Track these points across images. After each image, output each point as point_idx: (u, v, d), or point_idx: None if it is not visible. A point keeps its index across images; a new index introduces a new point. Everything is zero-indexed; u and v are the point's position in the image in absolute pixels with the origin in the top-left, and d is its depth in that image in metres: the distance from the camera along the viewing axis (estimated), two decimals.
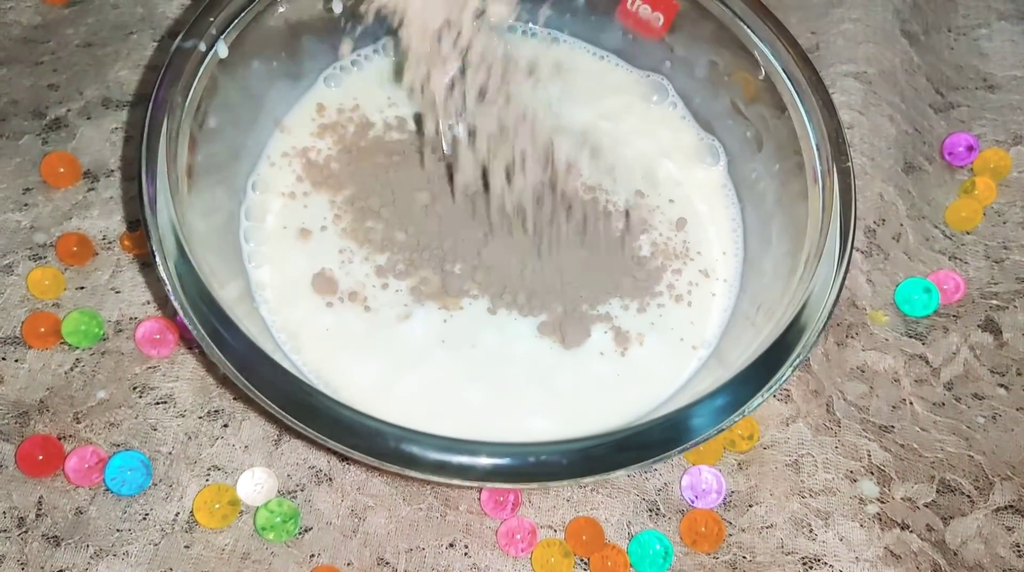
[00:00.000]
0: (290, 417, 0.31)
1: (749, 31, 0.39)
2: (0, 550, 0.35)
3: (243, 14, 0.37)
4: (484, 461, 0.30)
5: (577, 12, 0.45)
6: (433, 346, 0.37)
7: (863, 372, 0.42)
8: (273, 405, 0.31)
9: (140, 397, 0.38)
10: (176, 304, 0.32)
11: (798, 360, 0.33)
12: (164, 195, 0.33)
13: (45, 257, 0.41)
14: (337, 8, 0.42)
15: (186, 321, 0.32)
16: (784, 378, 0.33)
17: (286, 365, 0.32)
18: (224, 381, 0.39)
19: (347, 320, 0.38)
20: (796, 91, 0.38)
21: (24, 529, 0.35)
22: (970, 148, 0.48)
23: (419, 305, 0.38)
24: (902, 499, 0.38)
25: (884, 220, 0.45)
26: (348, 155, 0.42)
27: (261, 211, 0.40)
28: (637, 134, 0.44)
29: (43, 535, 0.35)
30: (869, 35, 0.50)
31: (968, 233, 0.46)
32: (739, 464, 0.39)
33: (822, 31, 0.51)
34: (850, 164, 0.36)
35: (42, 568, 0.35)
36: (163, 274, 0.32)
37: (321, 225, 0.40)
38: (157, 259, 0.32)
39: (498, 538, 0.36)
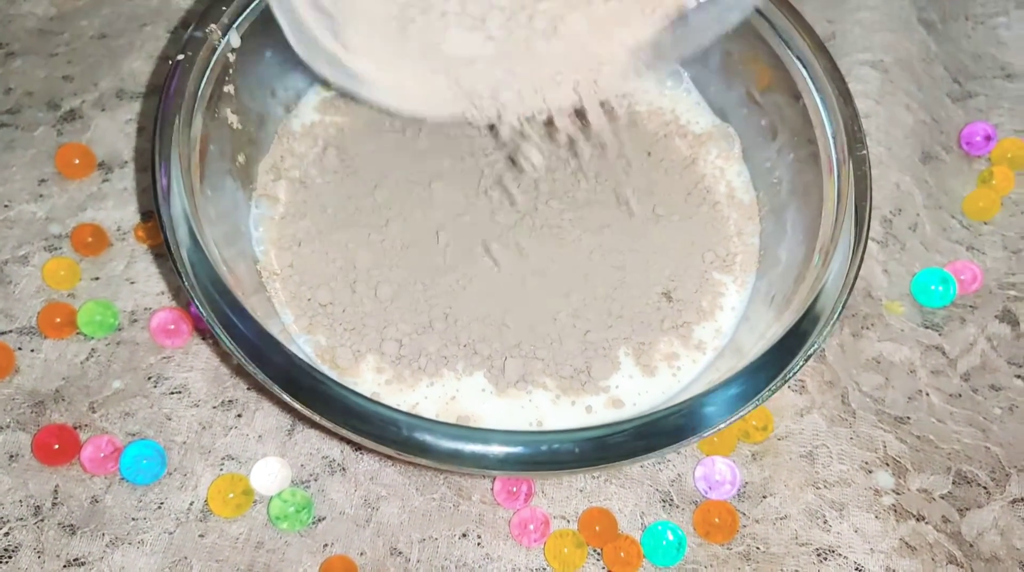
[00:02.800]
0: (303, 405, 0.31)
1: (764, 19, 0.39)
2: (16, 538, 0.35)
3: (255, 2, 0.38)
4: (497, 449, 0.30)
5: None
6: (443, 365, 0.37)
7: (879, 363, 0.41)
8: (286, 393, 0.31)
9: (155, 387, 0.39)
10: (189, 292, 0.32)
11: (812, 350, 0.33)
12: (177, 184, 0.33)
13: (60, 248, 0.42)
14: None
15: (199, 309, 0.32)
16: (798, 368, 0.33)
17: (298, 354, 0.32)
18: (238, 371, 0.39)
19: (362, 308, 0.38)
20: (811, 79, 0.38)
21: (40, 518, 0.36)
22: (988, 137, 0.47)
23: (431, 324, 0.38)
24: (918, 490, 0.38)
25: (901, 210, 0.45)
26: (358, 133, 0.42)
27: (271, 198, 0.40)
28: (651, 117, 0.44)
29: (59, 524, 0.36)
30: (886, 23, 0.50)
31: (985, 223, 0.46)
32: (753, 455, 0.39)
33: (838, 19, 0.51)
34: (866, 153, 0.36)
35: (58, 556, 0.35)
36: (176, 263, 0.32)
37: (331, 211, 0.40)
38: (171, 248, 0.32)
39: (511, 528, 0.36)
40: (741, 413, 0.32)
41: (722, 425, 0.31)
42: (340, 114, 0.43)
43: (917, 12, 0.51)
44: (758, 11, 0.39)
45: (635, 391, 0.37)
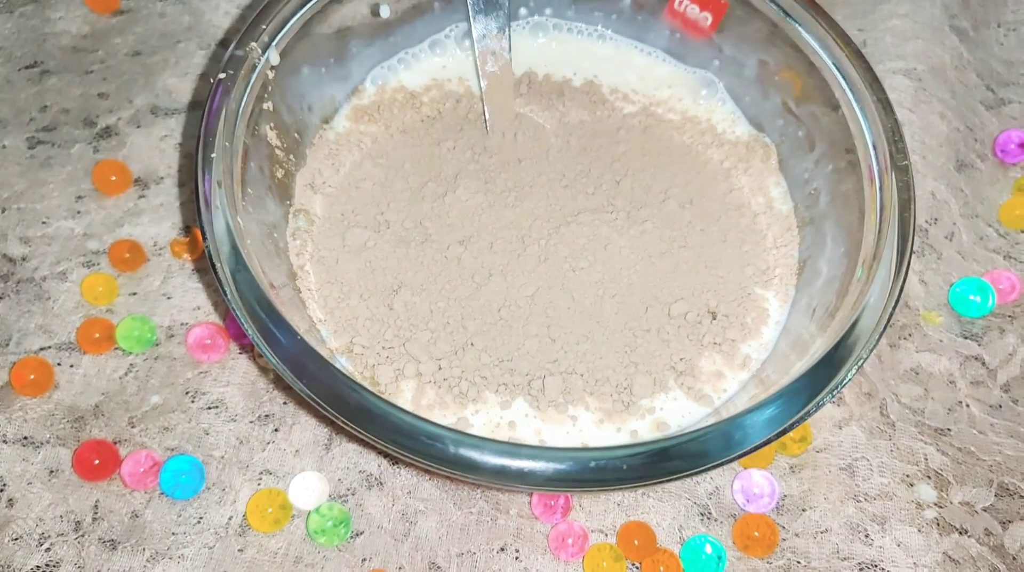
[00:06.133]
0: (346, 421, 0.31)
1: (800, 28, 0.39)
2: (58, 554, 0.35)
3: (293, 21, 0.38)
4: (544, 466, 0.30)
5: (623, 13, 0.45)
6: (484, 387, 0.37)
7: (917, 374, 0.41)
8: (332, 411, 0.31)
9: (192, 402, 0.39)
10: (234, 309, 0.32)
11: (854, 368, 0.32)
12: (220, 202, 0.33)
13: (98, 263, 0.42)
14: (384, 13, 0.42)
15: (242, 324, 0.32)
16: (839, 387, 0.32)
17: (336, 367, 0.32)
18: (275, 385, 0.39)
19: (399, 325, 0.37)
20: (850, 88, 0.37)
21: (81, 533, 0.36)
22: (1022, 145, 0.47)
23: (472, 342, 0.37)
24: (960, 503, 0.38)
25: (937, 219, 0.45)
26: (394, 144, 0.42)
27: (308, 213, 0.40)
28: (686, 127, 0.44)
29: (99, 539, 0.36)
30: (918, 31, 0.50)
31: (1022, 232, 0.45)
32: (791, 468, 0.38)
33: (870, 28, 0.50)
34: (908, 163, 0.36)
35: None
36: (220, 280, 0.32)
37: (367, 226, 0.40)
38: (214, 265, 0.32)
39: (549, 542, 0.36)
40: (784, 430, 0.31)
41: (765, 443, 0.31)
42: (374, 123, 0.43)
43: (949, 20, 0.51)
44: (793, 20, 0.39)
45: (679, 413, 0.37)
